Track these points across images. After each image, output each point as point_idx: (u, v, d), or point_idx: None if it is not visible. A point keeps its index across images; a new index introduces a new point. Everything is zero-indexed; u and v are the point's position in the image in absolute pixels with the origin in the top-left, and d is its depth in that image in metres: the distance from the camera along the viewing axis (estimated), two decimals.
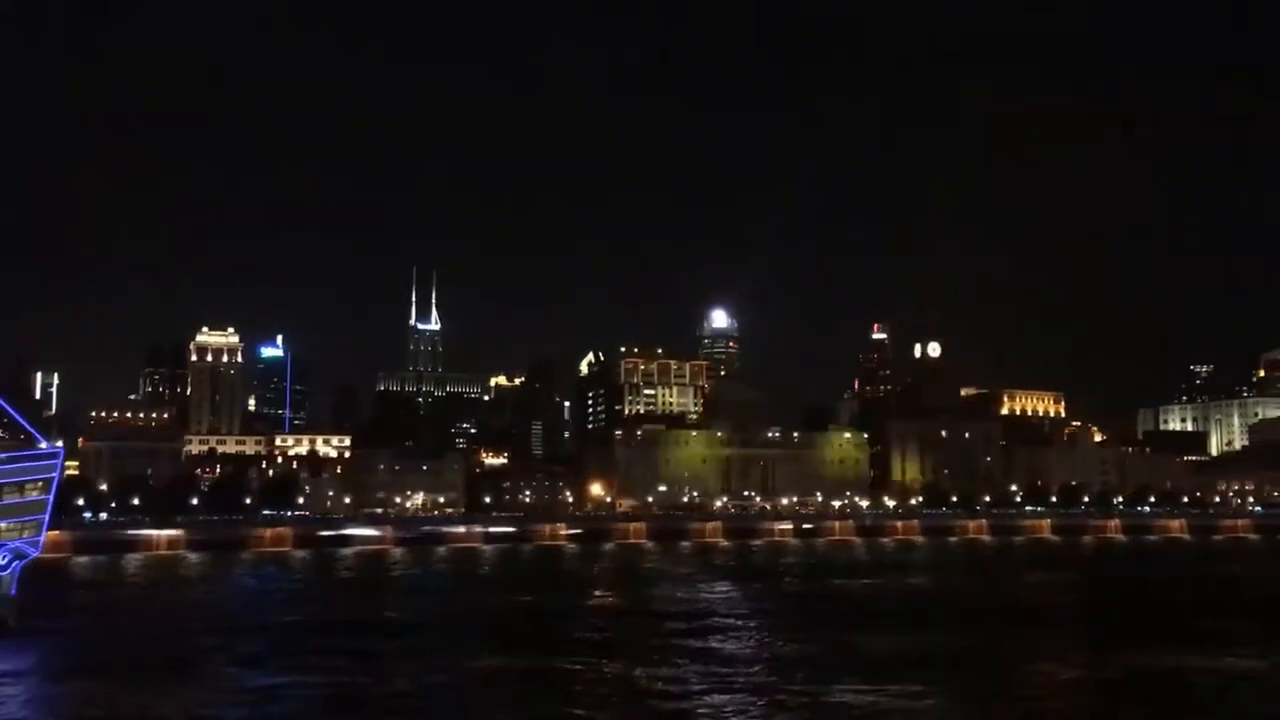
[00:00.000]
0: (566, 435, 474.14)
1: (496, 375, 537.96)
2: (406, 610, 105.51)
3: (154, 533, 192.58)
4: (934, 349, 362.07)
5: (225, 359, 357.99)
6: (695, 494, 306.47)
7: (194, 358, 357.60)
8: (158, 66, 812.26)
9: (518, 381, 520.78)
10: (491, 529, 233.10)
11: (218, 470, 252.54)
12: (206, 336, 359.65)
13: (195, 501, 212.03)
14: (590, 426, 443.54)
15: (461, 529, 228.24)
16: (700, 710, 57.15)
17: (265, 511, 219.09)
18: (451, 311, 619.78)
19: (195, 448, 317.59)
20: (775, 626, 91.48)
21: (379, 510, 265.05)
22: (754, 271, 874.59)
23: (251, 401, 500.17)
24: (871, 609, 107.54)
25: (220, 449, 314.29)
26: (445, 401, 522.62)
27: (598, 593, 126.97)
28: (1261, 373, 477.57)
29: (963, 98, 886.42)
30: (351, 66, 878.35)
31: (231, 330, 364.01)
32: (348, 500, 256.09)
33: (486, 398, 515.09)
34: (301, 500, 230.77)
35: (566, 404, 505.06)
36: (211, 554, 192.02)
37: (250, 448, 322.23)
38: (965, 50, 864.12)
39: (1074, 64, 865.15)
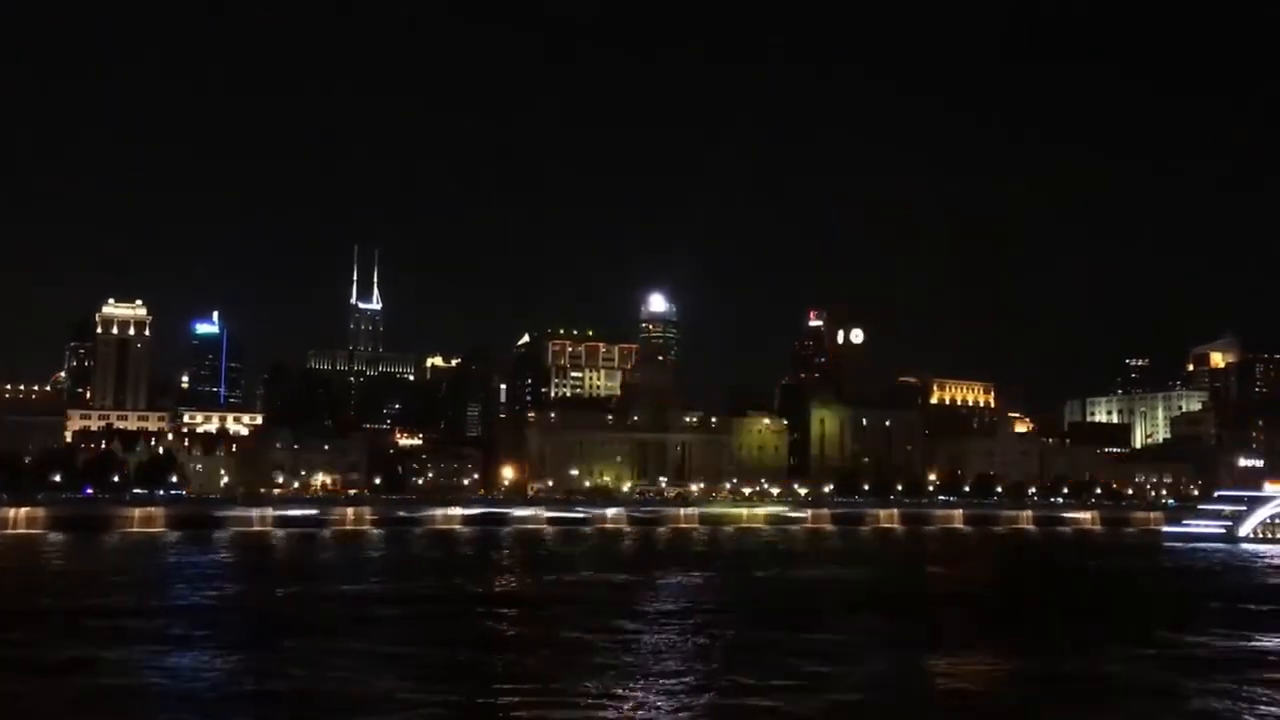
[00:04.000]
0: (502, 418, 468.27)
1: (434, 356, 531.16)
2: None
3: (9, 511, 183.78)
4: (856, 335, 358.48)
5: (132, 332, 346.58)
6: (605, 479, 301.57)
7: (99, 330, 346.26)
8: (93, 27, 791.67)
9: (454, 363, 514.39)
10: (381, 511, 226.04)
11: (103, 446, 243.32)
12: (113, 309, 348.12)
13: (59, 478, 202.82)
14: (518, 410, 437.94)
15: (349, 511, 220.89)
16: None
17: (138, 490, 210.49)
18: (394, 292, 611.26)
19: (95, 423, 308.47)
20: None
21: (276, 490, 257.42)
22: (695, 254, 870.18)
23: (185, 378, 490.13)
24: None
25: (120, 425, 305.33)
26: (376, 381, 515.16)
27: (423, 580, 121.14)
28: (1190, 367, 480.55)
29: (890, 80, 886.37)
30: (297, 42, 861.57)
31: (139, 303, 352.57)
32: (229, 480, 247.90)
33: (411, 378, 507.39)
34: (176, 479, 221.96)
35: (504, 386, 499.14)
36: (73, 534, 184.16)
37: (153, 424, 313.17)
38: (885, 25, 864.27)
39: (993, 54, 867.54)
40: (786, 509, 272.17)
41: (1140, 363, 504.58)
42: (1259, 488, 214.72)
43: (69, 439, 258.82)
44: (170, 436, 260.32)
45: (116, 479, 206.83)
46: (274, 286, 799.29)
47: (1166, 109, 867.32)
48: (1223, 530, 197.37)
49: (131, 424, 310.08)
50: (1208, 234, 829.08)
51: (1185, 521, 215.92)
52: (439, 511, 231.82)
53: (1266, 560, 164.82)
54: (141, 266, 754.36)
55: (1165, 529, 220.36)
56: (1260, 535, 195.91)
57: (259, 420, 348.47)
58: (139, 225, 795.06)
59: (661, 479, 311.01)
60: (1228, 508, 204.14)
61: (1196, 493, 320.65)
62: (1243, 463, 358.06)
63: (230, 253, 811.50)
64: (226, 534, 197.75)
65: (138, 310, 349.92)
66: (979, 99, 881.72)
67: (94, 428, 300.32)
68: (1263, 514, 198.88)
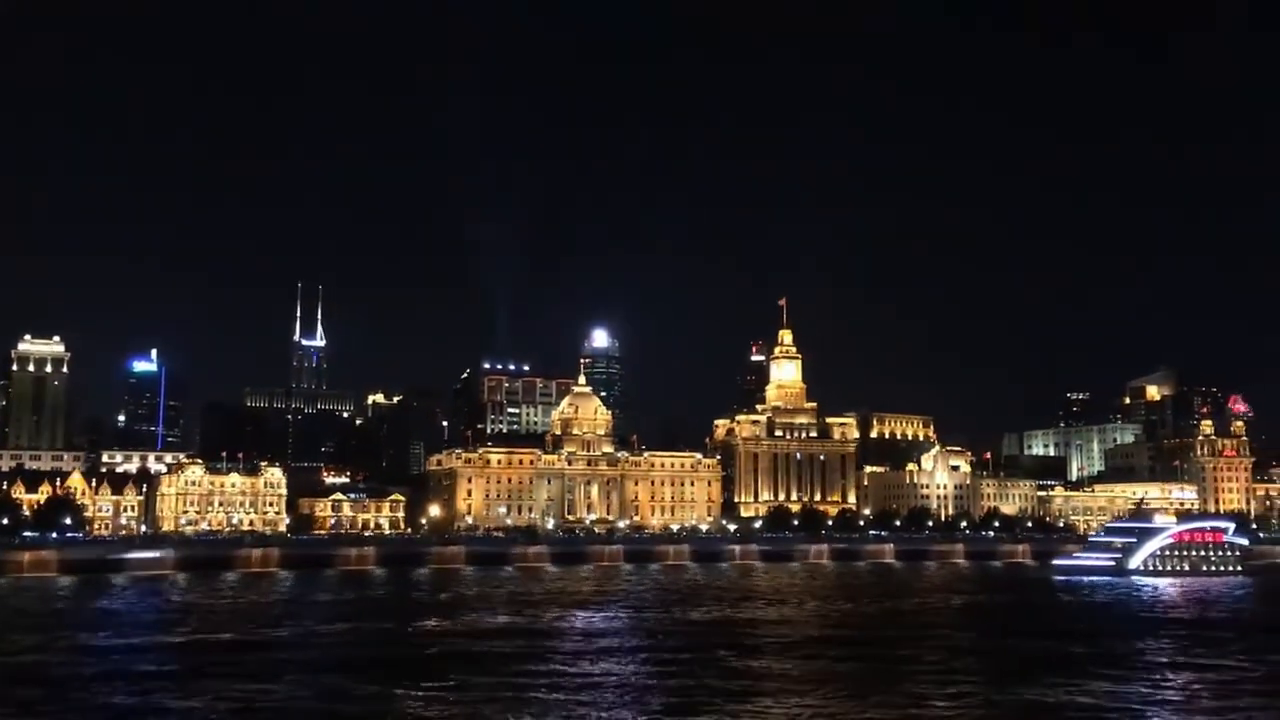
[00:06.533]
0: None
1: (375, 393, 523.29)
2: None
3: None
4: (790, 370, 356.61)
5: (50, 369, 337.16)
6: (533, 516, 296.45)
7: (15, 367, 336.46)
8: (27, 60, 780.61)
9: (396, 399, 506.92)
10: (291, 551, 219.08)
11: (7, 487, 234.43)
12: (30, 345, 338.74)
13: None
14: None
15: (256, 552, 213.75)
16: None
17: (28, 534, 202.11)
18: (340, 328, 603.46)
19: (6, 464, 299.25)
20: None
21: (187, 531, 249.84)
22: (641, 290, 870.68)
23: (121, 417, 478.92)
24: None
25: (33, 465, 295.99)
26: (315, 419, 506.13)
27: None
28: (1127, 400, 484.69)
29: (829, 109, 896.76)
30: (240, 79, 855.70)
31: (57, 339, 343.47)
32: (137, 521, 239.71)
33: (347, 415, 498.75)
34: (70, 520, 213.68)
35: (445, 423, 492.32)
36: None
37: (68, 464, 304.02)
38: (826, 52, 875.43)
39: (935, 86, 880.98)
40: (715, 545, 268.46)
41: (1080, 396, 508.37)
42: (1149, 519, 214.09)
43: None
44: (77, 476, 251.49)
45: (6, 521, 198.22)
46: (221, 324, 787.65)
47: (1112, 144, 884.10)
48: (1112, 563, 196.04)
49: (45, 464, 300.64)
50: (1153, 268, 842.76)
51: (1076, 554, 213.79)
52: (353, 551, 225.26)
53: (1144, 592, 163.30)
54: (88, 302, 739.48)
55: (1055, 561, 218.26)
56: (1150, 568, 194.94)
57: (182, 459, 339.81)
58: (85, 262, 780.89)
59: (589, 516, 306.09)
60: (1119, 540, 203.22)
61: None
62: (1175, 494, 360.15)
63: (177, 291, 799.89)
64: (124, 578, 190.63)
65: (55, 347, 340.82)
66: (932, 133, 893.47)
67: (4, 468, 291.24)
68: (1152, 546, 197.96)
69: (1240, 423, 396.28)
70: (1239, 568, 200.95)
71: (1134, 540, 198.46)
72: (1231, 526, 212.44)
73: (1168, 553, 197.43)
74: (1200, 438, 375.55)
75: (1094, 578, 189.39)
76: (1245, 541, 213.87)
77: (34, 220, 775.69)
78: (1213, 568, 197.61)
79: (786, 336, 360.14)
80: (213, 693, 71.44)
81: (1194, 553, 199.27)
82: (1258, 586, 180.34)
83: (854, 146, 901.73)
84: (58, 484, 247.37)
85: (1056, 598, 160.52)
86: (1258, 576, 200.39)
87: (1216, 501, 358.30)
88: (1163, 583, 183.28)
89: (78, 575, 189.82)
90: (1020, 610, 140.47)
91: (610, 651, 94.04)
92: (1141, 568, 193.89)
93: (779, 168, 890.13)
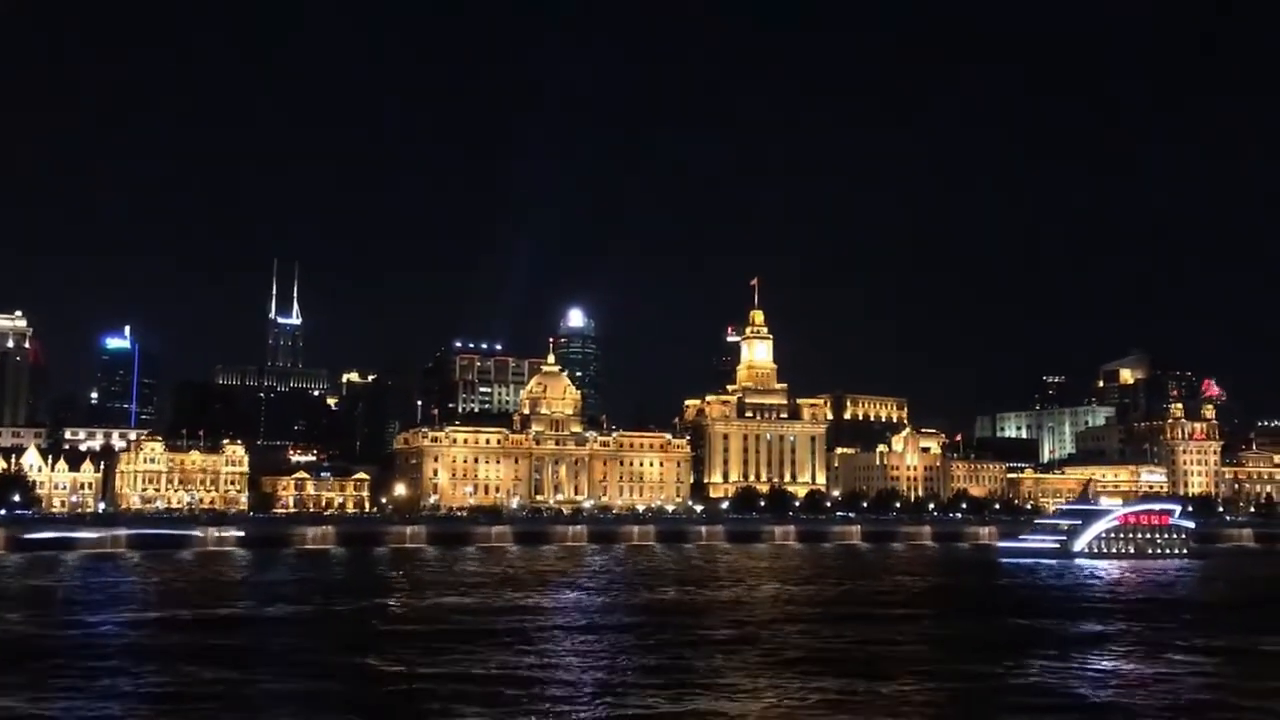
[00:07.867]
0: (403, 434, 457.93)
1: (350, 371, 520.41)
2: None
3: None
4: (761, 350, 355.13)
5: (11, 344, 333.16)
6: (498, 495, 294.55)
7: None
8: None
9: (371, 378, 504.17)
10: (248, 530, 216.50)
11: None
12: None
13: None
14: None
15: (213, 531, 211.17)
16: None
17: None
18: (317, 307, 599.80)
19: None
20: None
21: (144, 508, 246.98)
22: (618, 270, 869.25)
23: (94, 394, 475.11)
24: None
25: None
26: (288, 397, 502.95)
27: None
28: (1100, 383, 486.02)
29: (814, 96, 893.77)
30: (216, 55, 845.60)
31: (19, 314, 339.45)
32: (94, 498, 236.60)
33: (317, 393, 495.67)
34: (18, 497, 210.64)
35: (420, 403, 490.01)
36: None
37: (28, 440, 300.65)
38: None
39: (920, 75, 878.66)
40: (680, 526, 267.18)
41: (1055, 379, 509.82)
42: (1096, 501, 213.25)
43: None
44: (32, 453, 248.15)
45: None
46: (198, 302, 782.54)
47: (1079, 131, 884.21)
48: (1057, 545, 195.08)
49: (6, 441, 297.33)
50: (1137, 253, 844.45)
51: (1021, 536, 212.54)
52: (311, 530, 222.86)
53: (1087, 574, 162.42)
54: (64, 279, 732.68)
55: (1000, 544, 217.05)
56: (1094, 550, 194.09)
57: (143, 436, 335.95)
58: (61, 237, 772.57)
59: (556, 496, 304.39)
60: (1065, 522, 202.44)
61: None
62: (1144, 477, 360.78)
63: (154, 268, 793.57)
64: (75, 557, 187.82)
65: (17, 322, 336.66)
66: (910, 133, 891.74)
67: None
68: (1097, 529, 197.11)
69: (1211, 406, 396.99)
70: (1185, 550, 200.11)
71: (1079, 523, 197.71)
72: (1178, 509, 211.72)
73: (1113, 535, 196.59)
74: (1170, 420, 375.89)
75: (1038, 560, 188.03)
76: (1191, 524, 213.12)
77: (9, 198, 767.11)
78: (1158, 550, 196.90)
79: (758, 317, 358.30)
80: (122, 675, 69.11)
81: (1139, 535, 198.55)
82: (1201, 569, 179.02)
83: (843, 136, 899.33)
84: (13, 461, 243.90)
85: (991, 580, 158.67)
86: (1205, 559, 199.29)
87: (1185, 484, 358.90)
88: (1105, 565, 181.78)
89: (27, 553, 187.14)
90: (950, 594, 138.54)
91: (552, 633, 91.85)
92: (1086, 550, 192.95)
93: (758, 152, 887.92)
